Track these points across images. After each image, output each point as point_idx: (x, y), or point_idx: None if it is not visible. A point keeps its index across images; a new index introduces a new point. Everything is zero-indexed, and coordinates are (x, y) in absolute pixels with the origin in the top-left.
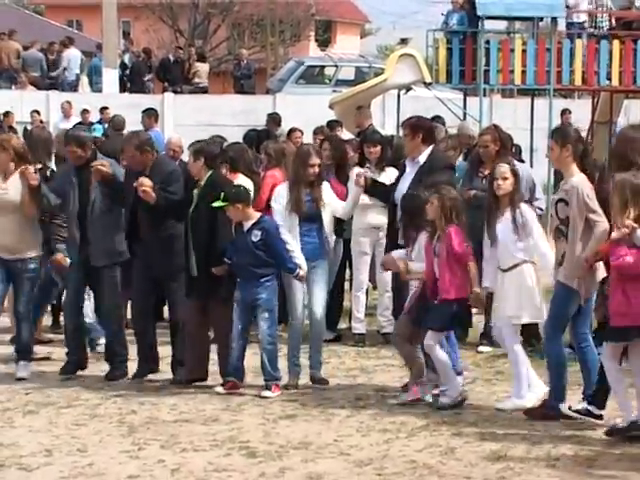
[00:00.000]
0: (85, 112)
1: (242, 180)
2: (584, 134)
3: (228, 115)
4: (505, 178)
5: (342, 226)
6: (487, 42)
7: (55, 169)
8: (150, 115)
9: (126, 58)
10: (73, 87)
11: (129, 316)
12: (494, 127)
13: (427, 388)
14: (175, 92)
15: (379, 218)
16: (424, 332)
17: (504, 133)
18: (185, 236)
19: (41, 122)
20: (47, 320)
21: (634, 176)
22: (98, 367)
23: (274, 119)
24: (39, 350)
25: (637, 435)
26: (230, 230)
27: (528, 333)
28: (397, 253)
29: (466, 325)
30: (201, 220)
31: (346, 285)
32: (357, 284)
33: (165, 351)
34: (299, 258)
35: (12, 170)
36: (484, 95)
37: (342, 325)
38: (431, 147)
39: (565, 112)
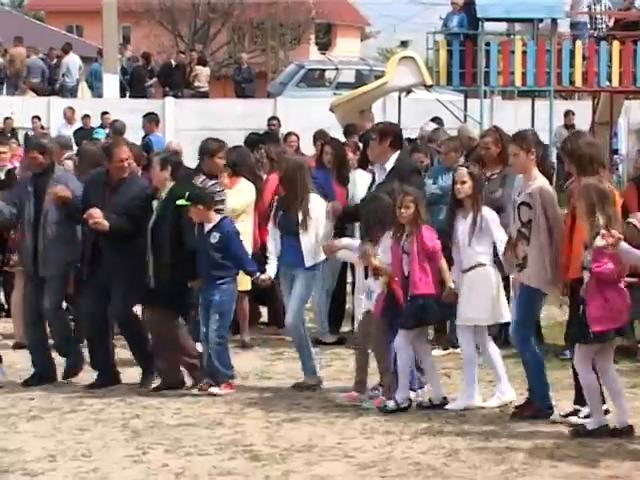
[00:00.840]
0: (86, 117)
1: (244, 184)
2: None
3: (229, 119)
4: (463, 182)
5: (344, 226)
6: (487, 44)
7: None
8: (151, 120)
9: (124, 63)
10: (73, 93)
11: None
12: (495, 129)
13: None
14: (175, 96)
15: None
16: (395, 332)
17: (506, 135)
18: (145, 247)
19: (42, 128)
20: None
21: (599, 181)
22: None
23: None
24: None
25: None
26: (194, 240)
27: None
28: (347, 240)
29: (440, 320)
30: (162, 232)
31: (348, 288)
32: (359, 286)
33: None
34: (273, 264)
35: None
36: (485, 97)
37: (345, 328)
38: (398, 152)
39: (569, 114)
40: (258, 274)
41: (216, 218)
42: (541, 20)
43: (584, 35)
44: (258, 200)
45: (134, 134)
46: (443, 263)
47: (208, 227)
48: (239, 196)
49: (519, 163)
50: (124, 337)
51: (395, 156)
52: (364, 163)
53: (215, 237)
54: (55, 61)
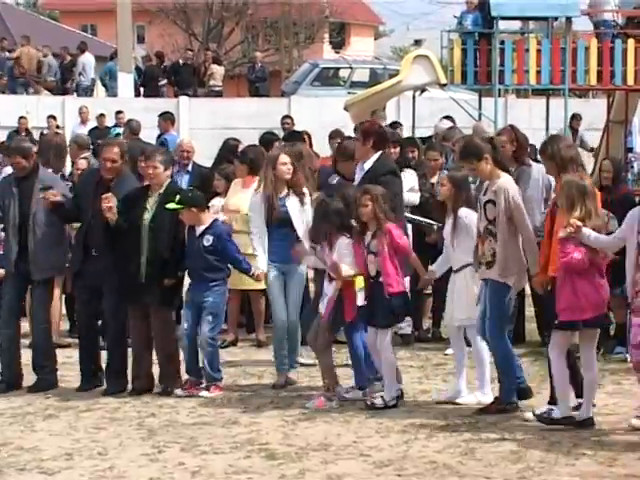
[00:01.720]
0: (101, 116)
1: None
2: (599, 134)
3: (243, 118)
4: (442, 185)
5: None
6: (502, 42)
7: (68, 174)
8: (166, 119)
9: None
10: (89, 92)
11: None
12: (511, 127)
13: (335, 397)
14: (189, 95)
15: None
16: (371, 331)
17: (521, 133)
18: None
19: (57, 127)
20: (65, 325)
21: (580, 178)
22: None
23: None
24: (58, 354)
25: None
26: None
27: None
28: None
29: (406, 316)
30: (160, 229)
31: None
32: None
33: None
34: (262, 261)
35: None
36: (499, 95)
37: None
38: (379, 153)
39: (575, 117)
40: (253, 270)
41: (208, 220)
42: (556, 18)
43: (609, 34)
44: None
45: (149, 133)
46: (414, 257)
47: (200, 230)
48: None
49: (481, 174)
50: (107, 333)
51: (375, 156)
52: None
53: (208, 240)
54: (68, 60)
